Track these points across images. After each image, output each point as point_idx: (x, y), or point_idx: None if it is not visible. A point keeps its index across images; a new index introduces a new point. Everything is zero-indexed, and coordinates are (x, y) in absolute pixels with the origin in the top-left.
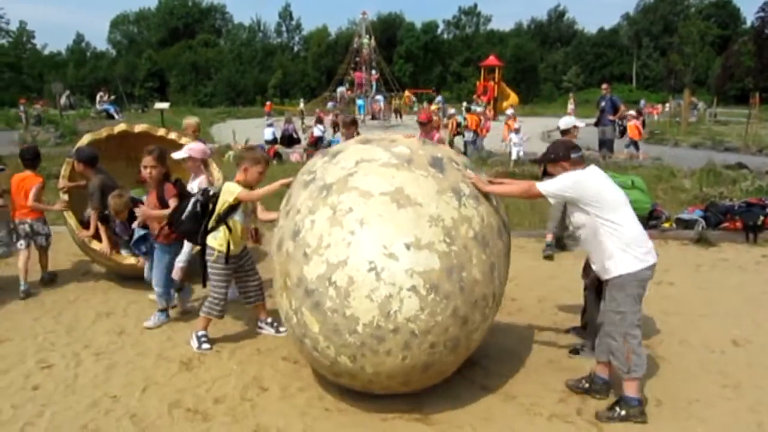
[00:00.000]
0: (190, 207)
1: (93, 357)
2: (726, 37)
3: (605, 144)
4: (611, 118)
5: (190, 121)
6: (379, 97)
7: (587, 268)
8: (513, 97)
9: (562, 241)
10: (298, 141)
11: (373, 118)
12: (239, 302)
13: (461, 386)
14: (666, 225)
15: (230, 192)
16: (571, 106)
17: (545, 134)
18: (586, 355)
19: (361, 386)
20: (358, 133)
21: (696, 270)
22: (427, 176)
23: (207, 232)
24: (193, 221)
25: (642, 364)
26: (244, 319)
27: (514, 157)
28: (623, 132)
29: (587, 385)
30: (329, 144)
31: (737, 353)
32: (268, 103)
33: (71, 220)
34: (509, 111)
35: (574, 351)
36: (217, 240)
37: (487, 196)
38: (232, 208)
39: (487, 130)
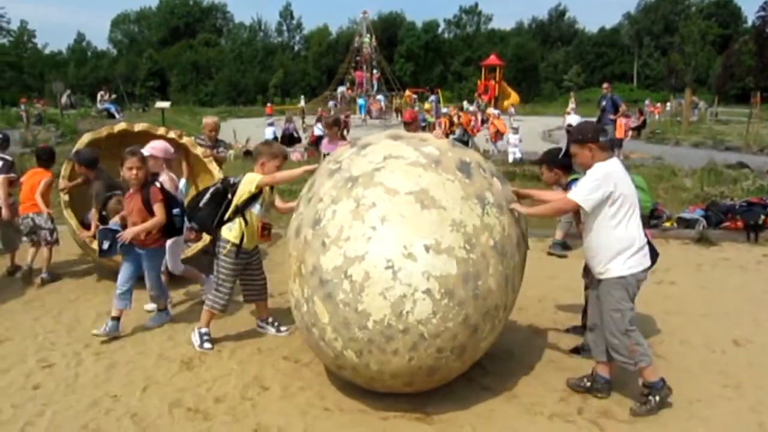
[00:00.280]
0: (208, 195)
1: (93, 356)
2: (727, 37)
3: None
4: (612, 117)
5: (209, 120)
6: (380, 96)
7: (588, 268)
8: (514, 97)
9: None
10: (298, 140)
11: (371, 116)
12: (240, 301)
13: (462, 386)
14: (667, 224)
15: (250, 181)
16: (571, 106)
17: (546, 133)
18: (586, 355)
19: (363, 382)
20: (343, 136)
21: (697, 269)
22: (453, 180)
23: (222, 223)
24: (210, 209)
25: (647, 353)
26: (244, 318)
27: (511, 159)
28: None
29: (589, 384)
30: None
31: (738, 353)
32: (268, 105)
33: (72, 220)
34: (496, 111)
35: (575, 350)
36: (232, 232)
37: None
38: (252, 198)
39: (478, 130)
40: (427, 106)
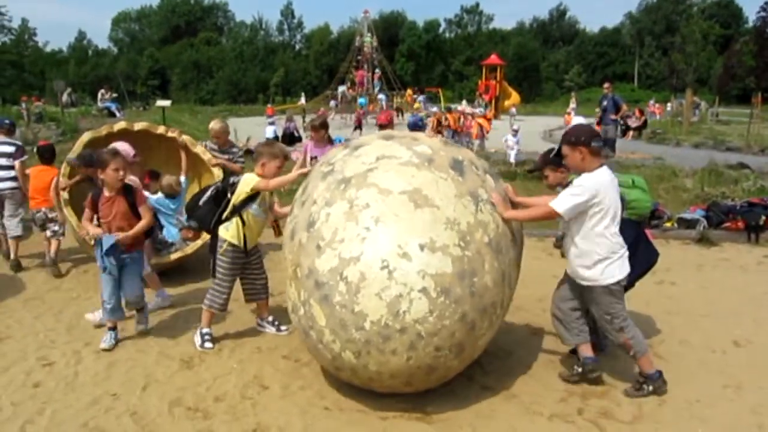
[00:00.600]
0: (208, 193)
1: (94, 355)
2: (728, 37)
3: (607, 143)
4: (613, 117)
5: (214, 126)
6: (381, 96)
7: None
8: (515, 96)
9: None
10: (299, 139)
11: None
12: (240, 300)
13: (461, 385)
14: (668, 224)
15: (247, 183)
16: (572, 105)
17: (546, 133)
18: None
19: (362, 383)
20: (330, 139)
21: (697, 270)
22: (446, 178)
23: (220, 222)
24: (209, 208)
25: (641, 341)
26: (244, 317)
27: (511, 159)
28: (625, 131)
29: (579, 369)
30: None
31: (738, 353)
32: (269, 106)
33: (72, 219)
34: (478, 109)
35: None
36: (228, 231)
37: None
38: (249, 199)
39: (467, 128)
40: (416, 105)
